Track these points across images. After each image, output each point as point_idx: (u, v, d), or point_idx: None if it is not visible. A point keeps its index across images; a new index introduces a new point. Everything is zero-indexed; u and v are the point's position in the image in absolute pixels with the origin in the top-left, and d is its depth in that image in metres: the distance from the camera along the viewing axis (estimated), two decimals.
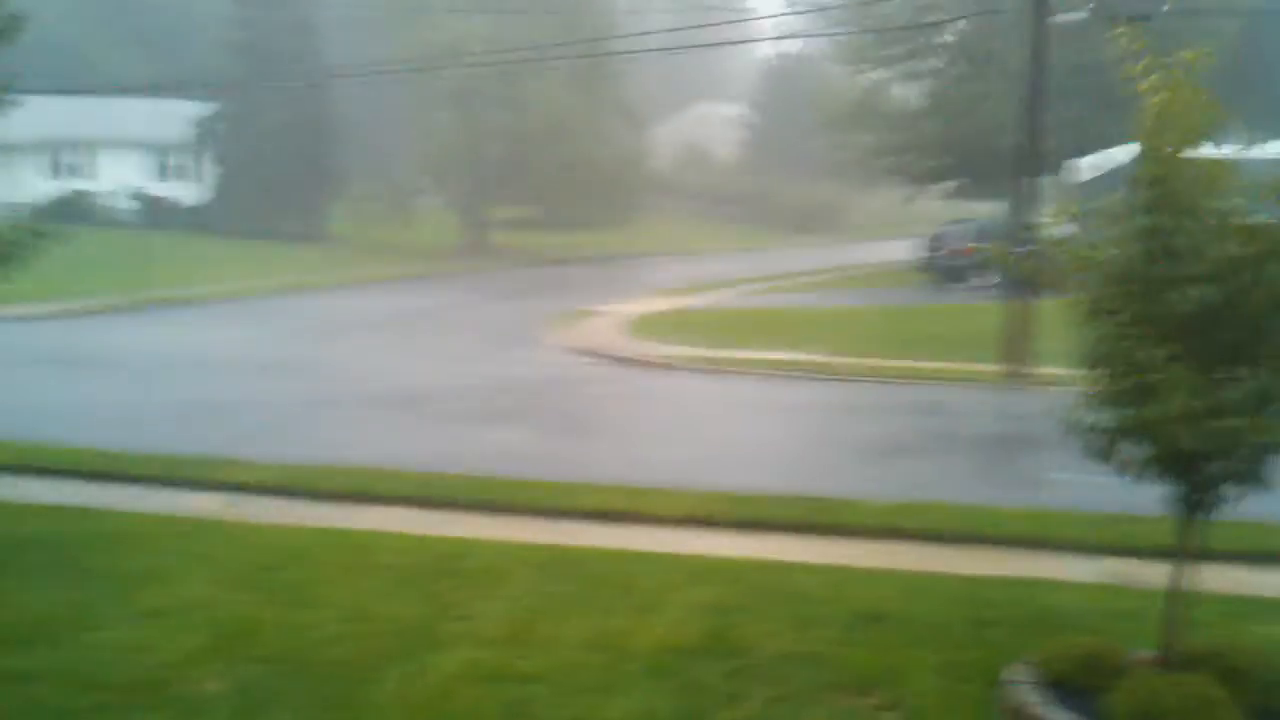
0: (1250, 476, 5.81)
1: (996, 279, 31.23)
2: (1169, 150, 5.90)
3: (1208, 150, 6.01)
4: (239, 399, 16.49)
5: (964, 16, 39.27)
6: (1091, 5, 24.70)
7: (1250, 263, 5.71)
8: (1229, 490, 5.94)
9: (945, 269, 33.90)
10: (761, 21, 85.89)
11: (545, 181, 48.63)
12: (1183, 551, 6.11)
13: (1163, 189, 5.86)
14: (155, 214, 44.35)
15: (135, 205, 31.96)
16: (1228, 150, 6.16)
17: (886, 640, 6.76)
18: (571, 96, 47.12)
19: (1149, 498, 6.26)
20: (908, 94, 45.66)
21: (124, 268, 30.66)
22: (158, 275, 30.08)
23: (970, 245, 32.51)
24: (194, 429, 14.03)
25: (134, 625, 6.94)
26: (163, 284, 30.26)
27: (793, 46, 74.54)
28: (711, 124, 79.92)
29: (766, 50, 79.36)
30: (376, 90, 47.54)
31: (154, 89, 49.94)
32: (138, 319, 26.43)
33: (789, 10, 54.07)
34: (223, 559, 8.46)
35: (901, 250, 39.79)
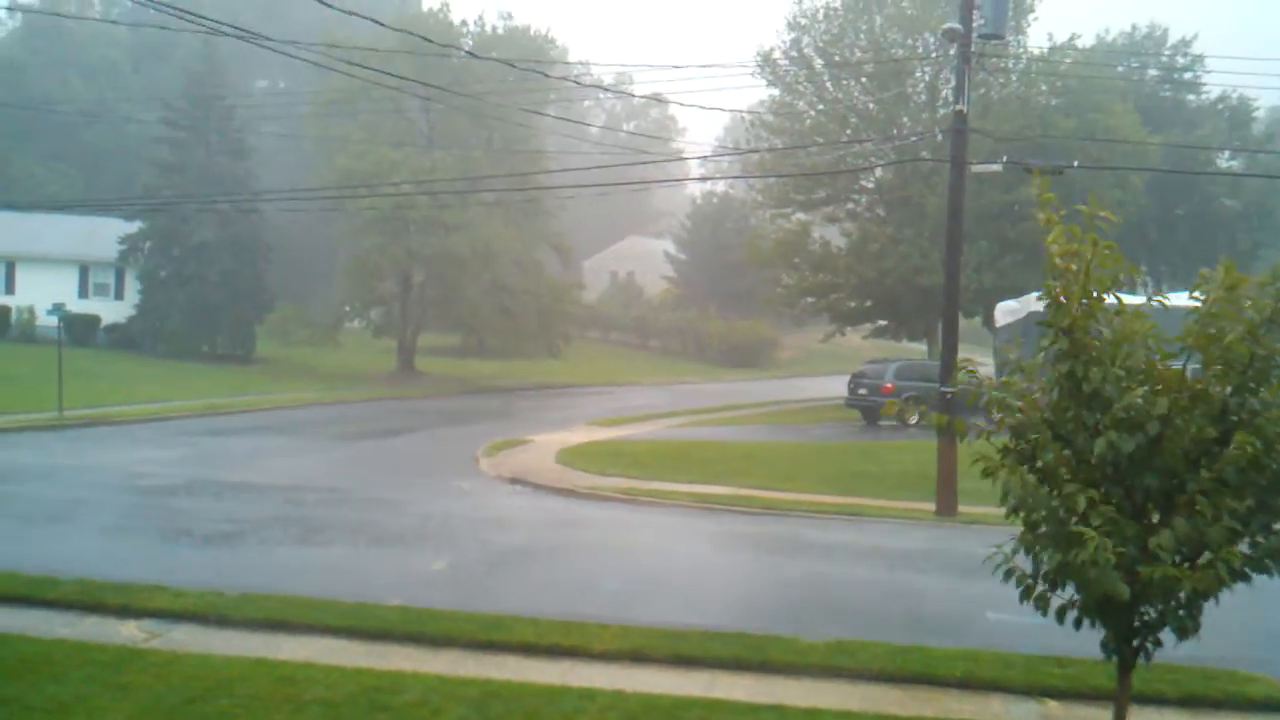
0: (1185, 623, 5.92)
1: (915, 418, 31.86)
2: (1077, 301, 6.11)
3: (1114, 300, 6.25)
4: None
5: (884, 164, 40.79)
6: (1005, 158, 25.85)
7: (1160, 414, 5.90)
8: (1163, 636, 6.03)
9: (867, 407, 34.48)
10: (689, 162, 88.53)
11: (474, 310, 48.88)
12: (1121, 696, 6.19)
13: (1073, 338, 6.07)
14: (76, 331, 43.61)
15: (55, 322, 31.43)
16: (1135, 300, 6.40)
17: None
18: (502, 226, 47.75)
19: (1087, 640, 6.33)
20: (830, 236, 47.00)
21: (40, 385, 30.01)
22: (75, 394, 29.45)
23: (889, 384, 33.17)
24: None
25: None
26: (80, 403, 29.62)
27: (719, 186, 76.79)
28: (641, 258, 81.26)
29: (695, 189, 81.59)
30: (306, 214, 47.90)
31: (79, 206, 49.71)
32: (50, 437, 25.80)
33: (716, 154, 55.70)
34: (145, 690, 8.20)
35: (830, 386, 40.34)
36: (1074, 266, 6.14)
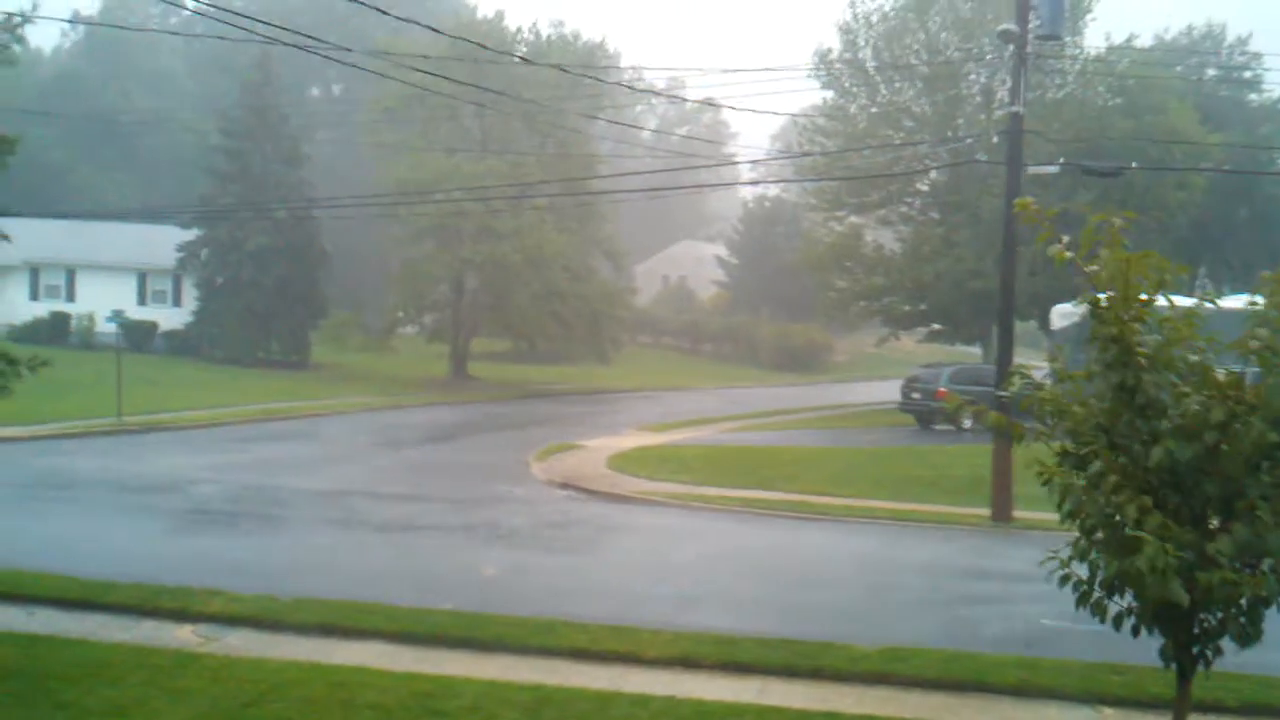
0: (1246, 630, 5.78)
1: (970, 423, 31.50)
2: (1123, 309, 5.94)
3: (1164, 304, 6.07)
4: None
5: (938, 166, 40.40)
6: (1062, 160, 25.49)
7: (1216, 421, 5.73)
8: (1223, 643, 5.89)
9: (920, 411, 34.16)
10: (741, 166, 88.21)
11: (526, 315, 48.98)
12: (1180, 705, 6.06)
13: (1121, 345, 5.91)
14: (134, 338, 44.29)
15: (114, 329, 32.00)
16: (1186, 303, 6.22)
17: None
18: (554, 231, 47.83)
19: (1145, 648, 6.20)
20: (883, 239, 46.64)
21: (100, 391, 30.51)
22: (134, 400, 29.91)
23: (943, 389, 32.80)
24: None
25: None
26: (139, 409, 30.06)
27: (772, 189, 76.43)
28: (693, 262, 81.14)
29: (746, 193, 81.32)
30: (360, 220, 48.33)
31: (138, 215, 50.51)
32: (111, 443, 26.20)
33: (768, 157, 55.47)
34: (201, 694, 8.29)
35: (883, 391, 39.95)
36: (1107, 274, 5.98)
